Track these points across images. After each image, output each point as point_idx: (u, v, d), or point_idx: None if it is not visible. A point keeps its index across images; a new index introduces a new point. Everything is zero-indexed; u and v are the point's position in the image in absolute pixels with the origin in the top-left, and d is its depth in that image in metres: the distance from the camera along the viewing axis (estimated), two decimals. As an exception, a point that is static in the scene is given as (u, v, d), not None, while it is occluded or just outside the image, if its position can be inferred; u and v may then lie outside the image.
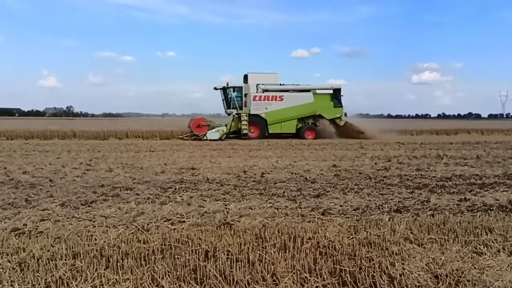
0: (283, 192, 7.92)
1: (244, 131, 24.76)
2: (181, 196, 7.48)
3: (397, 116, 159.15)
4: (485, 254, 4.35)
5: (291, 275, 3.82)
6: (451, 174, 10.26)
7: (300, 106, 25.83)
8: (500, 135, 32.92)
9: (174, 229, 5.28)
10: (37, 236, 4.96)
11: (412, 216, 6.05)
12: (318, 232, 5.02)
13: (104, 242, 4.66)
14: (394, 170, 11.07)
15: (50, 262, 4.06)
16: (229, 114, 25.90)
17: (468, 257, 4.24)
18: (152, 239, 4.76)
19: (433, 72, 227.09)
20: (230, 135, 25.16)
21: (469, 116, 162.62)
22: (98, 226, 5.42)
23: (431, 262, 4.07)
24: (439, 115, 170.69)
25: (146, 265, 4.01)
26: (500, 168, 11.45)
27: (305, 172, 10.66)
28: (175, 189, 8.22)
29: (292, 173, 10.39)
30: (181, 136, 25.03)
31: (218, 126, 24.40)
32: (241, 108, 25.38)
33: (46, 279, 3.72)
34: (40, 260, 4.12)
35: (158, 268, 3.92)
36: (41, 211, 6.25)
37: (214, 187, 8.41)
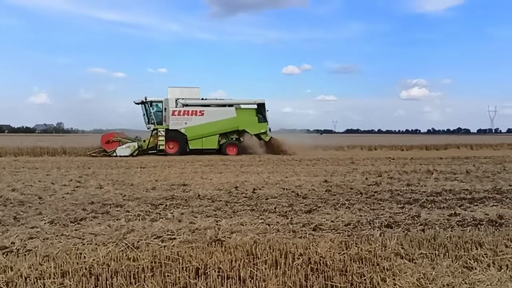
0: (275, 208, 7.91)
1: (161, 147, 24.27)
2: (172, 213, 7.43)
3: (388, 132, 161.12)
4: (476, 269, 4.37)
5: (282, 292, 3.80)
6: (441, 189, 10.33)
7: (221, 121, 25.18)
8: (489, 150, 33.22)
9: (165, 246, 5.24)
10: (25, 255, 4.89)
11: (403, 231, 6.07)
12: (310, 248, 5.01)
13: (93, 260, 4.60)
14: (385, 185, 11.12)
15: (38, 281, 4.01)
16: (149, 129, 25.45)
17: (459, 272, 4.26)
18: (142, 256, 4.72)
19: (422, 88, 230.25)
20: (149, 151, 24.71)
21: (458, 131, 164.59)
22: (87, 244, 5.36)
23: (422, 278, 4.08)
24: (428, 130, 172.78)
25: (135, 283, 3.97)
26: (489, 183, 11.55)
27: (296, 187, 10.67)
28: (166, 205, 8.17)
29: (284, 189, 10.39)
30: (89, 153, 24.08)
31: (129, 142, 23.95)
32: (161, 123, 24.80)
33: (33, 299, 3.66)
34: (28, 279, 4.06)
35: (148, 286, 3.88)
36: (30, 229, 6.17)
37: (205, 204, 8.38)
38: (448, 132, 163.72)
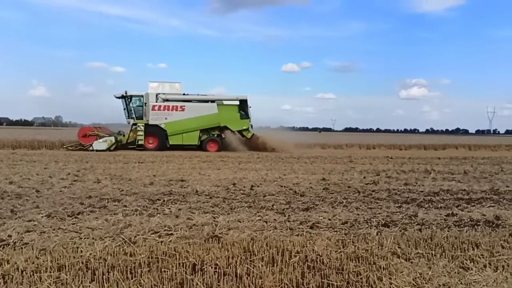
0: (272, 205, 7.91)
1: (140, 142, 24.12)
2: (169, 208, 7.43)
3: (386, 131, 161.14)
4: (472, 269, 4.38)
5: (278, 289, 3.81)
6: (439, 189, 10.35)
7: (202, 117, 24.94)
8: (487, 151, 33.30)
9: (162, 241, 5.24)
10: (22, 248, 4.88)
11: (400, 231, 6.08)
12: (307, 246, 5.02)
13: (90, 254, 4.60)
14: (383, 184, 11.14)
15: (35, 274, 4.00)
16: (129, 124, 25.28)
17: (455, 272, 4.27)
18: (139, 251, 4.71)
19: (421, 87, 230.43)
20: (129, 146, 24.63)
21: (456, 131, 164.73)
22: (85, 238, 5.36)
23: (418, 277, 4.09)
24: (427, 130, 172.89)
25: (132, 278, 3.97)
26: (487, 184, 11.57)
27: (294, 185, 10.67)
28: (164, 201, 8.17)
29: (282, 186, 10.40)
30: (65, 146, 24.05)
31: (106, 136, 23.64)
32: (141, 118, 24.58)
33: (29, 292, 3.66)
34: (24, 272, 4.05)
35: (144, 281, 3.88)
36: (27, 222, 6.16)
37: (203, 200, 8.37)
38: (447, 132, 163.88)
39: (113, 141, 23.58)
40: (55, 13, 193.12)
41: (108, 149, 22.96)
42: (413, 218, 7.03)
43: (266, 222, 6.47)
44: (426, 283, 3.95)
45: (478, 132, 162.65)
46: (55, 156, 18.79)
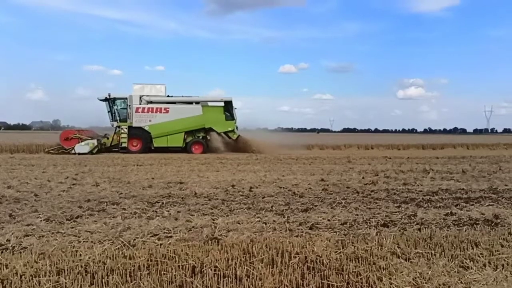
0: (271, 207, 7.90)
1: (123, 145, 24.05)
2: (168, 211, 7.41)
3: (384, 131, 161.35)
4: (471, 268, 4.38)
5: (278, 291, 3.80)
6: (438, 189, 10.35)
7: (187, 119, 24.79)
8: (485, 150, 33.35)
9: (161, 244, 5.23)
10: (20, 252, 4.87)
11: (399, 231, 6.07)
12: (306, 247, 5.01)
13: (89, 258, 4.59)
14: (381, 184, 11.14)
15: (34, 278, 3.99)
16: (113, 126, 25.21)
17: (455, 272, 4.27)
18: (138, 254, 4.70)
19: (419, 87, 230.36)
20: (113, 149, 24.56)
21: (454, 131, 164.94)
22: (83, 242, 5.34)
23: (418, 277, 4.09)
24: (425, 130, 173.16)
25: (131, 282, 3.96)
26: (485, 183, 11.58)
27: (293, 186, 10.67)
28: (162, 203, 8.16)
29: (280, 187, 10.39)
30: (47, 150, 23.88)
31: (88, 139, 23.47)
32: (126, 121, 24.53)
33: (29, 296, 3.64)
34: (23, 276, 4.04)
35: (144, 284, 3.87)
36: (25, 227, 6.14)
37: (202, 202, 8.36)
38: (445, 131, 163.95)
39: (95, 144, 23.35)
40: (53, 16, 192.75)
41: (91, 152, 22.70)
42: (412, 217, 7.04)
43: (266, 224, 6.46)
44: (426, 283, 3.95)
45: (476, 131, 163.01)
46: (54, 160, 18.75)
